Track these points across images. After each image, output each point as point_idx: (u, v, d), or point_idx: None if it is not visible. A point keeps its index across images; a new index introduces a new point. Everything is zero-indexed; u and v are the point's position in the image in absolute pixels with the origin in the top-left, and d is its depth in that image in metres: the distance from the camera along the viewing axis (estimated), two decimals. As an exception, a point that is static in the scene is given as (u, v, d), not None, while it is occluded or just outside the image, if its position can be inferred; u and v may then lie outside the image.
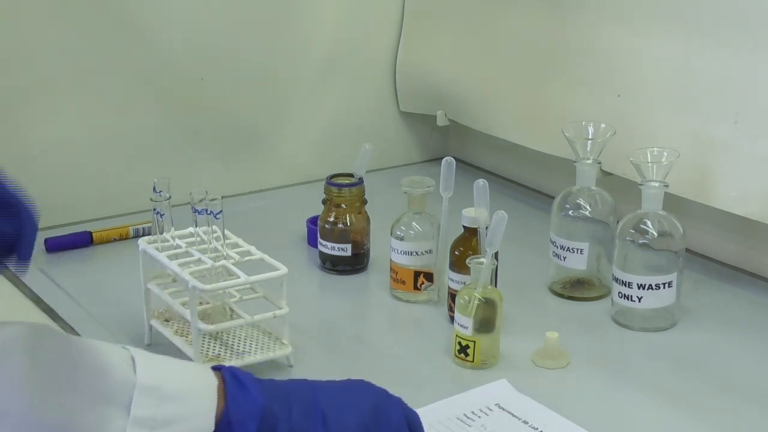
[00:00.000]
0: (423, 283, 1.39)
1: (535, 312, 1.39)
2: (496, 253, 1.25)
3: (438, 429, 1.13)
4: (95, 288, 1.45)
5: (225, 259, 1.25)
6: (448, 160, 1.36)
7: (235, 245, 1.29)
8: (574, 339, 1.30)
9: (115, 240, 1.59)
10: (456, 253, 1.33)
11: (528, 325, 1.34)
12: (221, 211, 1.23)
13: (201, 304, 1.24)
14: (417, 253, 1.39)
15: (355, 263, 1.49)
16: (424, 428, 1.04)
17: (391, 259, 1.41)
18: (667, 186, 1.32)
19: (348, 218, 1.48)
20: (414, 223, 1.39)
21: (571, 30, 1.61)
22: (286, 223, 1.62)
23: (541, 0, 1.66)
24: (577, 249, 1.41)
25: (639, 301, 1.33)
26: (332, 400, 0.99)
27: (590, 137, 1.40)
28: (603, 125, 1.41)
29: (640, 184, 1.32)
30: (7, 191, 0.91)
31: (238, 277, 1.23)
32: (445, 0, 1.84)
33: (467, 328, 1.24)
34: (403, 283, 1.40)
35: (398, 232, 1.39)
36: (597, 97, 1.57)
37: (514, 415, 1.15)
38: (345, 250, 1.48)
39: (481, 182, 1.29)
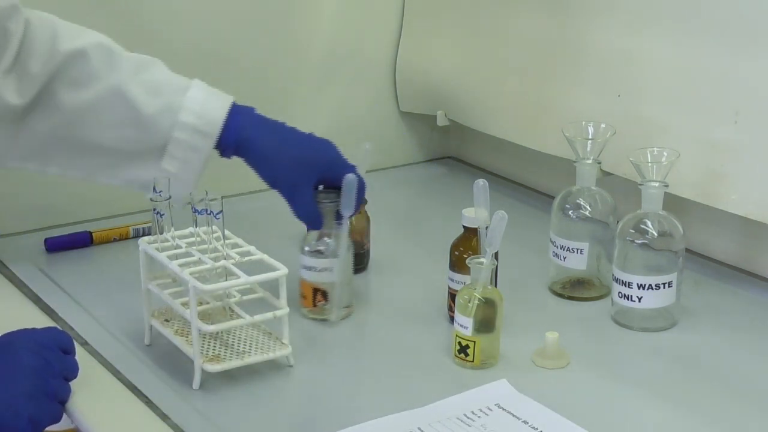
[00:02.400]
0: (320, 300, 1.36)
1: (535, 312, 1.39)
2: (496, 253, 1.25)
3: (438, 429, 1.13)
4: (95, 288, 1.45)
5: (225, 259, 1.25)
6: (349, 178, 1.33)
7: (235, 245, 1.29)
8: (574, 339, 1.30)
9: (115, 240, 1.59)
10: (456, 253, 1.33)
11: (528, 325, 1.34)
12: (221, 211, 1.23)
13: (201, 304, 1.24)
14: (315, 269, 1.35)
15: (355, 263, 1.48)
16: (425, 426, 1.06)
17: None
18: (667, 186, 1.32)
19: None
20: (326, 238, 1.35)
21: (571, 30, 1.61)
22: (286, 223, 1.62)
23: (542, 0, 1.66)
24: (577, 249, 1.41)
25: (639, 301, 1.33)
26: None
27: (590, 137, 1.40)
28: (603, 125, 1.41)
29: (640, 184, 1.32)
30: None
31: (238, 277, 1.23)
32: (445, 0, 1.84)
33: (467, 328, 1.24)
34: (305, 297, 1.37)
35: (306, 247, 1.36)
36: (597, 97, 1.57)
37: (514, 415, 1.15)
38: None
39: (481, 182, 1.29)
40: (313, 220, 1.35)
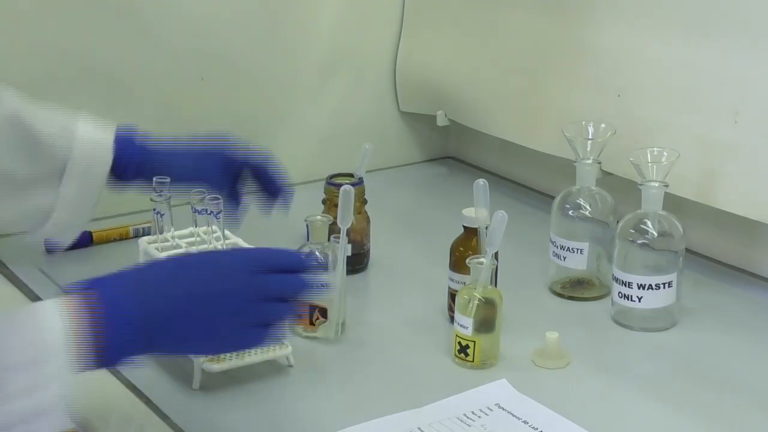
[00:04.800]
0: (318, 318, 1.31)
1: (535, 312, 1.39)
2: (496, 253, 1.25)
3: (438, 429, 1.13)
4: (95, 288, 1.44)
5: (225, 259, 1.25)
6: (346, 189, 1.29)
7: (235, 245, 1.29)
8: (574, 339, 1.30)
9: (115, 240, 1.59)
10: (456, 253, 1.33)
11: (528, 325, 1.34)
12: (221, 211, 1.23)
13: (201, 304, 1.24)
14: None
15: (355, 263, 1.48)
16: (425, 426, 1.06)
17: None
18: (667, 186, 1.32)
19: (348, 218, 1.48)
20: (317, 253, 1.30)
21: (571, 30, 1.61)
22: (286, 223, 1.62)
23: (542, 0, 1.66)
24: (577, 249, 1.41)
25: (639, 301, 1.33)
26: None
27: (590, 137, 1.40)
28: (603, 125, 1.41)
29: (640, 184, 1.32)
30: None
31: (238, 277, 1.22)
32: (445, 1, 1.84)
33: (467, 328, 1.24)
34: (299, 316, 1.31)
35: None
36: (597, 97, 1.57)
37: (514, 415, 1.15)
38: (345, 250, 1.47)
39: (481, 182, 1.29)
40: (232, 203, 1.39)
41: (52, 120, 1.36)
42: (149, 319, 0.97)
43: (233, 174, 1.40)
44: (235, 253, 1.14)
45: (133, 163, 1.37)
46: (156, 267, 1.05)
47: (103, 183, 1.37)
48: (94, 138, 1.36)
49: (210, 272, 1.02)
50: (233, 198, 1.40)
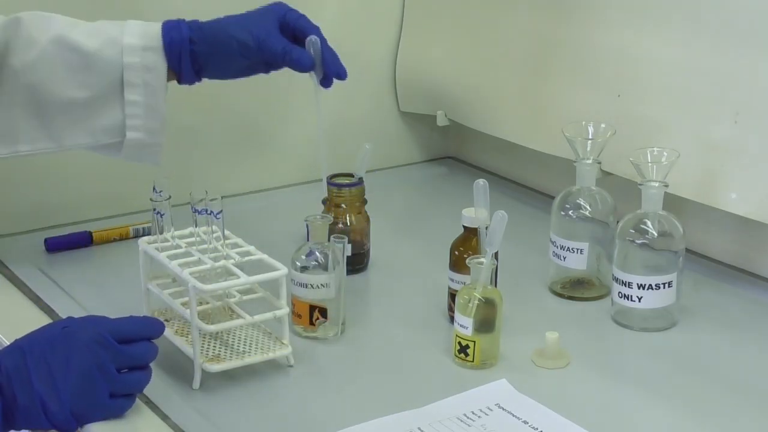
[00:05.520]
0: (318, 318, 1.31)
1: (535, 312, 1.39)
2: (496, 253, 1.25)
3: (438, 429, 1.13)
4: (95, 288, 1.45)
5: (225, 259, 1.25)
6: (312, 38, 1.41)
7: (235, 245, 1.29)
8: (574, 339, 1.30)
9: (115, 240, 1.59)
10: (456, 253, 1.33)
11: (528, 325, 1.34)
12: (221, 211, 1.23)
13: (201, 304, 1.24)
14: (312, 286, 1.31)
15: (355, 263, 1.48)
16: (425, 426, 1.06)
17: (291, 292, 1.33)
18: (667, 186, 1.32)
19: (348, 218, 1.48)
20: (317, 253, 1.31)
21: (571, 30, 1.61)
22: (286, 223, 1.62)
23: (541, 0, 1.66)
24: (577, 249, 1.41)
25: (639, 301, 1.33)
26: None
27: (590, 137, 1.40)
28: (603, 125, 1.41)
29: (640, 184, 1.32)
30: None
31: (238, 278, 1.23)
32: (445, 0, 1.84)
33: (467, 328, 1.24)
34: (299, 316, 1.32)
35: (297, 263, 1.31)
36: (597, 97, 1.57)
37: (514, 415, 1.15)
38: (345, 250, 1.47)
39: (481, 182, 1.29)
40: (297, 56, 1.41)
41: (97, 33, 1.36)
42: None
43: (291, 37, 1.42)
44: (85, 326, 1.15)
45: (185, 46, 1.38)
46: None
47: (165, 83, 1.38)
48: (142, 41, 1.36)
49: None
50: (295, 58, 1.42)
